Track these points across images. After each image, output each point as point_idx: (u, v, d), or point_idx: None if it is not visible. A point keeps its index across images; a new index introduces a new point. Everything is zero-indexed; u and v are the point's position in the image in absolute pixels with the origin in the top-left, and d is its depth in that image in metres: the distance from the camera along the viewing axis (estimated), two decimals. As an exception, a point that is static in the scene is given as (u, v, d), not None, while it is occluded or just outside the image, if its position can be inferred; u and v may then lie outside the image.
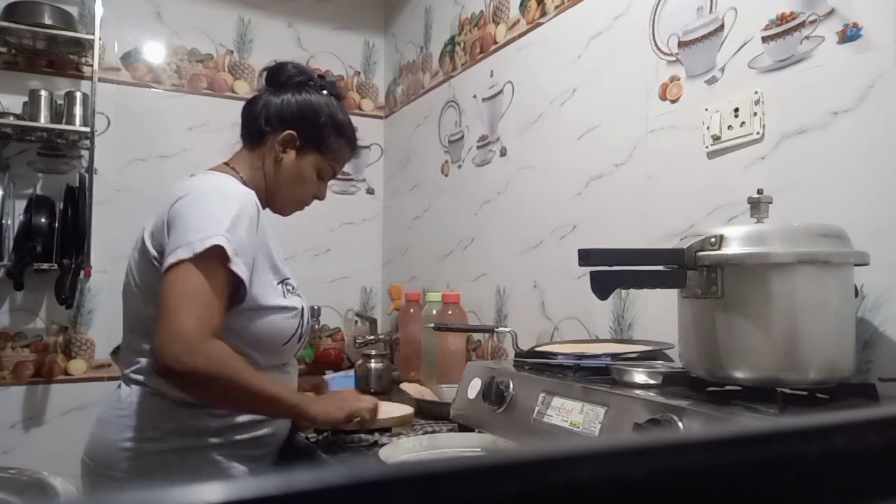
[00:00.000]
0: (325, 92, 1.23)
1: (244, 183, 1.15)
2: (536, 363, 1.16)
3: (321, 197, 1.27)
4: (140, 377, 1.07)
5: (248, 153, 1.21)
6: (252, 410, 1.06)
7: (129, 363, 1.09)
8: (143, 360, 1.07)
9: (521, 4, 1.80)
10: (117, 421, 1.05)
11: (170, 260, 0.96)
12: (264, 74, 1.25)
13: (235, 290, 1.01)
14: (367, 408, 1.12)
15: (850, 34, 0.99)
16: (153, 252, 1.04)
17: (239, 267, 0.98)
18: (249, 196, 1.07)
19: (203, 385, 0.96)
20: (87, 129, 2.02)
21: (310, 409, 1.05)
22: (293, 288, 1.13)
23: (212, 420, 1.05)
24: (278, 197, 1.21)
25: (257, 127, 1.19)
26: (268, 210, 1.24)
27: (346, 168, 2.55)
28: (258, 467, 1.10)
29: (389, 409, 1.33)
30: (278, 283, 1.10)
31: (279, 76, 1.22)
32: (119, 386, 1.11)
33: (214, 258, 0.96)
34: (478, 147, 1.98)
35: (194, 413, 1.04)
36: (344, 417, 1.08)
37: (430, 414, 1.42)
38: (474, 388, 1.19)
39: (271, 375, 1.11)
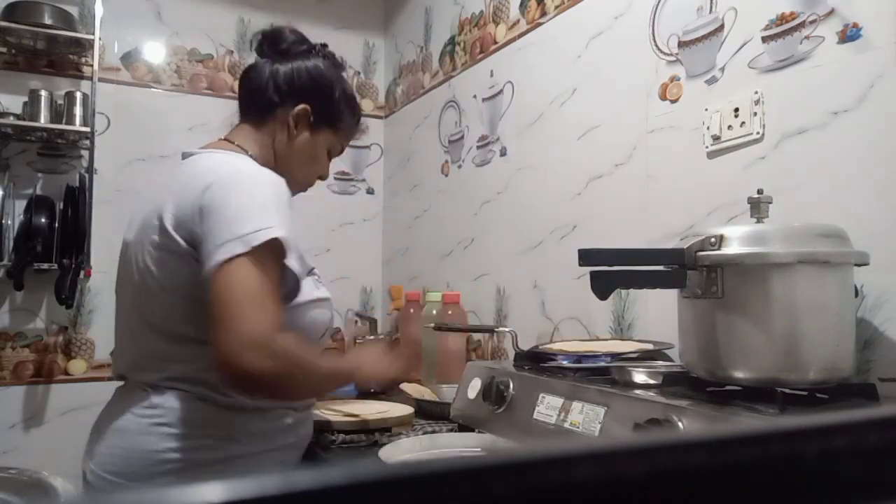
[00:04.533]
0: (328, 61, 1.13)
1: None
2: (536, 363, 1.17)
3: (325, 177, 1.19)
4: (178, 383, 0.96)
5: (253, 129, 1.09)
6: (318, 394, 1.05)
7: (158, 370, 0.97)
8: (177, 366, 0.96)
9: (521, 4, 1.80)
10: (155, 430, 0.94)
11: (221, 255, 0.85)
12: (260, 40, 1.13)
13: (285, 284, 0.94)
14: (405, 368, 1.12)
15: (850, 34, 0.99)
16: (183, 244, 0.92)
17: (292, 261, 0.91)
18: (281, 180, 0.97)
19: (282, 385, 0.90)
20: (87, 129, 2.02)
21: (362, 374, 1.04)
22: (320, 278, 1.07)
23: (262, 423, 0.98)
24: (287, 178, 1.05)
25: (266, 99, 1.08)
26: None
27: (346, 168, 2.57)
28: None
29: (389, 409, 1.33)
30: (308, 275, 1.02)
31: (280, 42, 1.11)
32: (146, 392, 0.97)
33: (269, 250, 0.87)
34: (478, 147, 1.98)
35: (246, 417, 0.97)
36: (394, 376, 1.09)
37: (430, 414, 1.42)
38: (474, 388, 1.19)
39: None
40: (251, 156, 1.06)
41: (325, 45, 1.16)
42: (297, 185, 1.14)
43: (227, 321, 0.84)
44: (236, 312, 0.84)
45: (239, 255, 0.85)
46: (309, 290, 1.00)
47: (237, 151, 1.05)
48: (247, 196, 0.90)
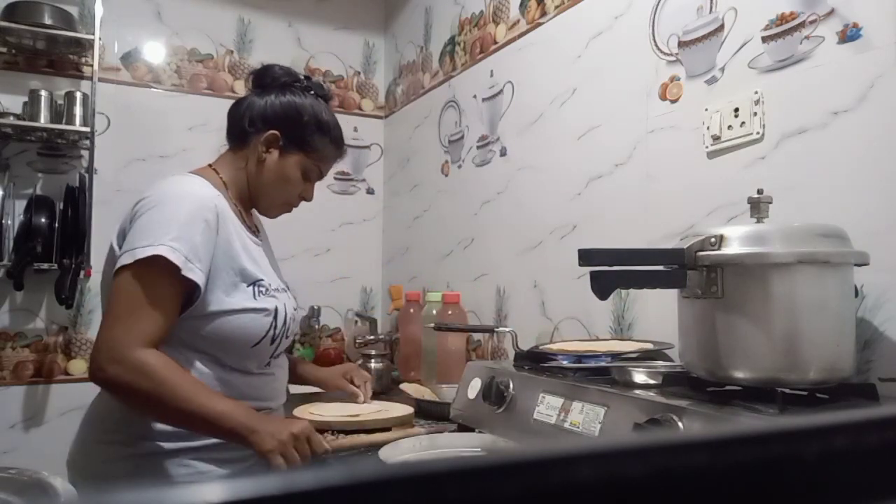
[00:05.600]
0: (311, 93, 1.23)
1: (225, 184, 1.15)
2: (536, 363, 1.17)
3: (308, 198, 1.26)
4: None
5: (232, 154, 1.21)
6: (185, 426, 1.00)
7: None
8: None
9: (521, 4, 1.80)
10: (92, 422, 1.08)
11: (117, 265, 0.98)
12: (251, 77, 1.25)
13: (191, 296, 1.02)
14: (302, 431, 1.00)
15: (850, 34, 0.99)
16: (117, 251, 1.04)
17: (194, 273, 0.99)
18: (208, 199, 1.06)
19: (125, 395, 0.97)
20: (87, 129, 2.02)
21: (253, 433, 0.95)
22: (267, 290, 1.12)
23: None
24: (262, 198, 1.21)
25: (241, 128, 1.19)
26: (254, 212, 1.24)
27: (346, 168, 2.57)
28: (240, 469, 1.07)
29: (389, 409, 1.33)
30: (249, 286, 1.08)
31: (265, 78, 1.22)
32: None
33: (157, 266, 0.96)
34: (478, 147, 1.98)
35: None
36: (287, 438, 0.97)
37: (430, 414, 1.42)
38: (474, 388, 1.19)
39: (252, 381, 1.10)
40: (223, 178, 1.17)
41: (308, 77, 1.25)
42: (275, 205, 1.23)
43: (101, 329, 0.97)
44: (106, 320, 0.97)
45: (126, 266, 0.97)
46: (237, 299, 1.07)
47: (207, 175, 1.15)
48: (158, 214, 1.01)
